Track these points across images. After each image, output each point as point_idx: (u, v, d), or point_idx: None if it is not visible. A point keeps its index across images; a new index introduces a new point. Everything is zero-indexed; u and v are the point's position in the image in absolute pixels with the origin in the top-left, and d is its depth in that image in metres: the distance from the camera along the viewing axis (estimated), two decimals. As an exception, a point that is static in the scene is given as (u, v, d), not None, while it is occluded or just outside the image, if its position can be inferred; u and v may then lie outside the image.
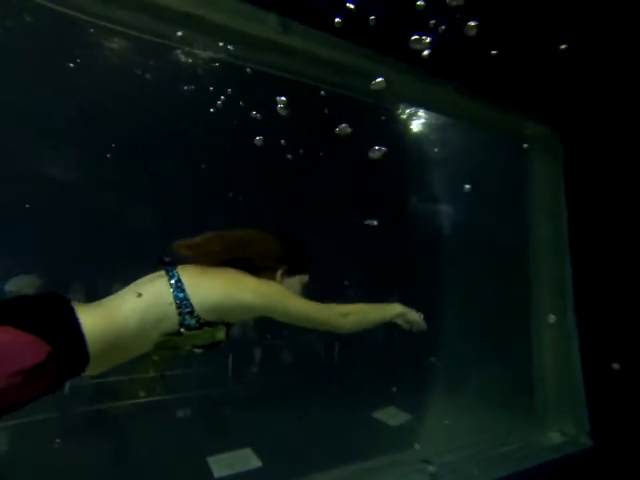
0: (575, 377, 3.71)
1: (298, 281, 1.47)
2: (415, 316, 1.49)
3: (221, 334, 1.28)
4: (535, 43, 3.38)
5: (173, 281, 1.22)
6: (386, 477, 2.80)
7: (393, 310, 1.48)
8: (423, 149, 4.97)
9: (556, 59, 3.46)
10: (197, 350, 1.30)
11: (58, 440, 2.87)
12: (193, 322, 1.21)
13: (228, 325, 1.31)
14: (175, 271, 1.25)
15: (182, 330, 1.22)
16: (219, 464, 2.81)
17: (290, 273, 1.44)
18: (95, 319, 1.14)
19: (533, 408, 3.93)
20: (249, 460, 2.82)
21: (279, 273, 1.41)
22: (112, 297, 1.25)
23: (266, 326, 4.85)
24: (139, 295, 1.21)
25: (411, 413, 4.01)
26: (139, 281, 1.29)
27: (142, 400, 3.59)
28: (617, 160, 3.85)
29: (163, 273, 1.26)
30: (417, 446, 3.16)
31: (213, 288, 1.24)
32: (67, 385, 3.49)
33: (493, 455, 3.26)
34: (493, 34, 3.18)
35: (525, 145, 4.07)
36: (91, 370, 1.17)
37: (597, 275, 3.90)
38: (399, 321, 1.49)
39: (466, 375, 4.50)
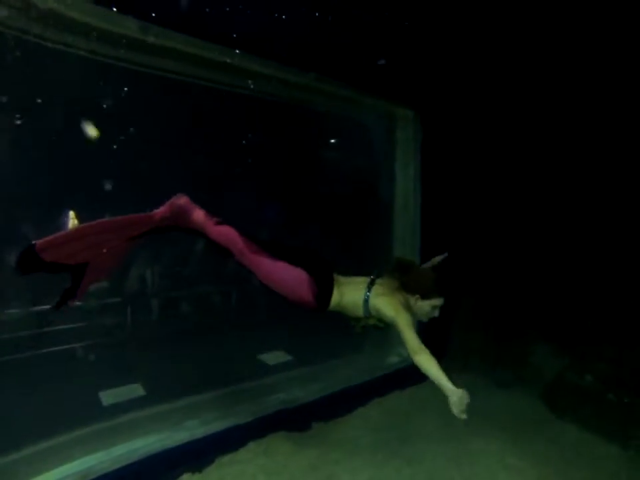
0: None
1: (429, 304, 2.27)
2: (457, 407, 1.86)
3: (373, 321, 2.34)
4: (401, 45, 3.94)
5: (367, 291, 2.29)
6: (244, 399, 3.54)
7: (449, 390, 1.90)
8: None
9: (417, 56, 4.10)
10: (376, 327, 2.38)
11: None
12: (368, 313, 2.29)
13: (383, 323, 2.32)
14: (372, 287, 2.30)
15: (365, 315, 2.31)
16: (108, 396, 3.43)
17: (422, 298, 2.27)
18: (336, 290, 2.29)
19: (383, 341, 5.07)
20: (134, 391, 3.47)
21: (415, 297, 2.27)
22: (347, 281, 2.38)
23: (167, 278, 5.34)
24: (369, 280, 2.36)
25: (295, 355, 4.88)
26: (358, 279, 2.39)
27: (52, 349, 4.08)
28: (461, 139, 4.79)
29: (366, 285, 2.33)
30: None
31: (377, 301, 2.24)
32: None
33: (351, 371, 4.37)
34: (365, 37, 3.69)
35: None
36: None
37: (438, 234, 4.92)
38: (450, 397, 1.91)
39: (342, 319, 5.38)
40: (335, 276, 2.36)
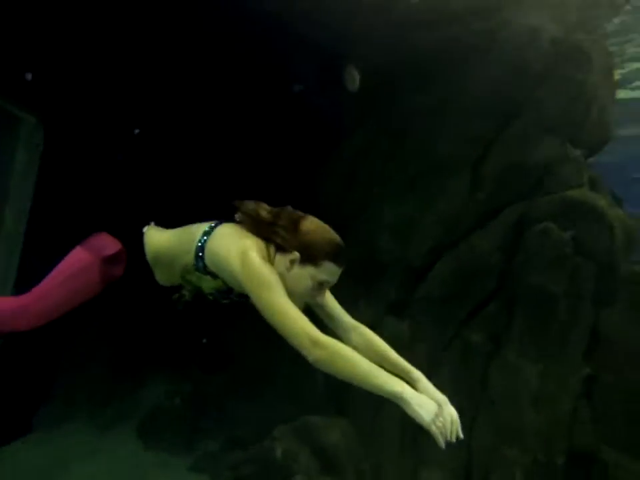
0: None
1: (308, 274, 1.30)
2: (420, 413, 1.03)
3: (212, 284, 1.43)
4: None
5: (207, 229, 1.43)
6: None
7: (393, 387, 1.05)
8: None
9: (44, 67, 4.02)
10: (211, 297, 1.50)
11: None
12: (200, 265, 1.41)
13: (230, 289, 1.42)
14: (218, 224, 1.45)
15: (198, 267, 1.42)
16: None
17: (301, 262, 1.30)
18: (156, 233, 1.62)
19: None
20: None
21: (289, 258, 1.31)
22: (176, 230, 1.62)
23: None
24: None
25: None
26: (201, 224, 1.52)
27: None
28: (78, 154, 4.64)
29: (208, 226, 1.46)
30: None
31: (220, 244, 1.37)
32: None
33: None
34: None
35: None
36: (159, 277, 1.58)
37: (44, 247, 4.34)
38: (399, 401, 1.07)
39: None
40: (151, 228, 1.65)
